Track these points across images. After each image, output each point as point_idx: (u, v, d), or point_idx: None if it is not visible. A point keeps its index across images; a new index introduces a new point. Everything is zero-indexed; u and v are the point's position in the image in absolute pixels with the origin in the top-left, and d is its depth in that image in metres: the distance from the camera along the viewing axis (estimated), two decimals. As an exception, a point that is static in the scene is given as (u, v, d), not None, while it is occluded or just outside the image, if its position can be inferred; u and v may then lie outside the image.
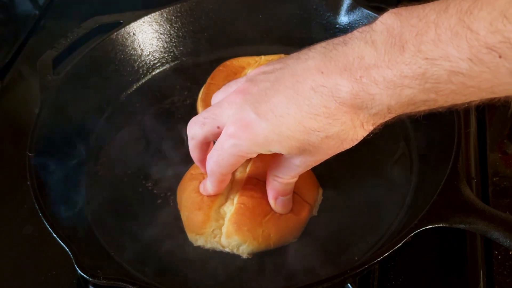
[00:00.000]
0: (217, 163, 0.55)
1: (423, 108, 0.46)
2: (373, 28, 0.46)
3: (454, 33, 0.40)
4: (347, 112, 0.47)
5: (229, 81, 0.62)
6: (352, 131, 0.49)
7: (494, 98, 0.44)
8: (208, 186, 0.61)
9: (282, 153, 0.52)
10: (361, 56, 0.45)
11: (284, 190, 0.59)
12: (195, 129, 0.58)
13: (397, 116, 0.48)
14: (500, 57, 0.39)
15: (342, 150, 0.52)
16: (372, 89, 0.45)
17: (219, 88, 0.70)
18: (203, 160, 0.60)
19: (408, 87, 0.43)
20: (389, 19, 0.45)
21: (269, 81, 0.52)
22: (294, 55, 0.52)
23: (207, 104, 0.74)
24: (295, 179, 0.58)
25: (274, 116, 0.49)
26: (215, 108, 0.55)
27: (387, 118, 0.49)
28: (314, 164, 0.55)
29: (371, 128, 0.50)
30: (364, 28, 0.47)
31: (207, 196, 0.62)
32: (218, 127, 0.55)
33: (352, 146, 0.52)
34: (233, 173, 0.63)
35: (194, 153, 0.60)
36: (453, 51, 0.40)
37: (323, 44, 0.50)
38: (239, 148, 0.52)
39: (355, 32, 0.48)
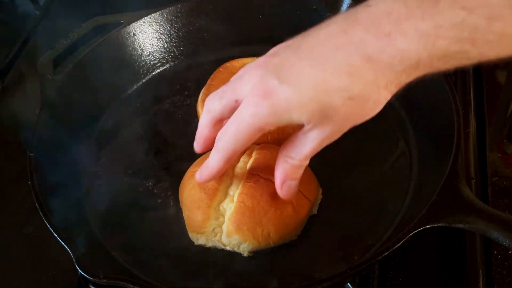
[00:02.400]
0: (233, 136, 0.52)
1: (452, 63, 0.44)
2: None
3: None
4: (372, 70, 0.45)
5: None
6: (376, 92, 0.47)
7: None
8: (210, 165, 0.56)
9: (302, 121, 0.49)
10: (389, 13, 0.44)
11: (294, 173, 0.54)
12: (213, 103, 0.54)
13: (421, 76, 0.46)
14: None
15: (362, 118, 0.49)
16: (400, 43, 0.43)
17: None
18: (211, 139, 0.56)
19: (443, 38, 0.42)
20: None
21: (291, 50, 0.50)
22: (314, 27, 0.50)
23: (207, 105, 0.74)
24: (306, 162, 0.54)
25: (297, 79, 0.47)
26: (235, 81, 0.52)
27: (412, 77, 0.46)
28: (329, 139, 0.51)
29: (394, 90, 0.47)
30: None
31: (206, 193, 0.61)
32: (236, 101, 0.51)
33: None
34: (233, 169, 0.64)
35: (205, 129, 0.56)
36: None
37: (343, 12, 0.48)
38: (258, 118, 0.49)
39: None
